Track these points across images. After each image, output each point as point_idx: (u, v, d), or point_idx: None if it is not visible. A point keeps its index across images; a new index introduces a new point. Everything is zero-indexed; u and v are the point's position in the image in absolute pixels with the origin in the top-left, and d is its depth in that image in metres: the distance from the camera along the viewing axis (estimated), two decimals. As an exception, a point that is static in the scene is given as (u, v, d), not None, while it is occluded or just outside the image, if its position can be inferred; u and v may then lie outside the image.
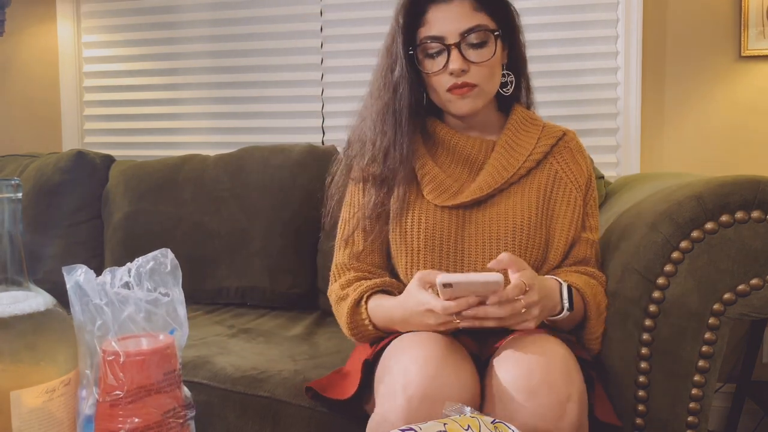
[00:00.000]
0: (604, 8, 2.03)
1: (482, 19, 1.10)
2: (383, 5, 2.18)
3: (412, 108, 1.14)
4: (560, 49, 2.05)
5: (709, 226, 1.05)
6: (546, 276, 1.06)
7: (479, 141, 1.17)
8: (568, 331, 1.11)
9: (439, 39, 1.10)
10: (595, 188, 1.20)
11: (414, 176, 1.16)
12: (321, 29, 2.24)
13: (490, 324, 0.95)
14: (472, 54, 1.10)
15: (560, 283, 1.04)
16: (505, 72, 1.18)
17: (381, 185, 1.16)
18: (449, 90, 1.12)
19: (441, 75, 1.12)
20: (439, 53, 1.11)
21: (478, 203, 1.15)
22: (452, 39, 1.09)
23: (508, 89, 1.19)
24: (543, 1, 2.06)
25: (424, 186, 1.15)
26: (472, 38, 1.10)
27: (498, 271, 0.95)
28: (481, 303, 0.93)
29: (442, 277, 0.91)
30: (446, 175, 1.16)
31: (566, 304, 1.02)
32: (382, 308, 1.08)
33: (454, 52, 1.09)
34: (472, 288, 0.92)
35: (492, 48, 1.11)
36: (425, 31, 1.12)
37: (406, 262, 1.14)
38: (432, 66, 1.13)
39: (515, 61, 1.19)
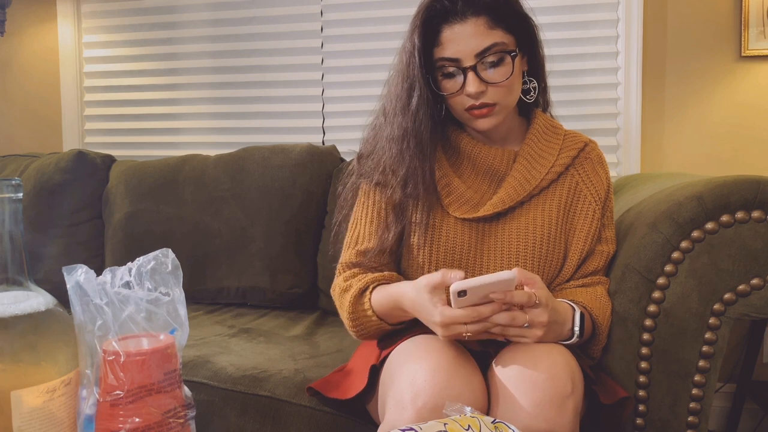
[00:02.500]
0: (604, 8, 2.03)
1: (498, 37, 1.06)
2: (383, 5, 2.18)
3: (432, 130, 1.10)
4: (561, 49, 2.05)
5: (709, 226, 1.05)
6: (561, 300, 1.04)
7: (501, 152, 1.15)
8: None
9: (454, 61, 1.07)
10: (613, 199, 1.19)
11: (435, 188, 1.14)
12: (321, 29, 2.24)
13: (495, 331, 0.94)
14: (489, 74, 1.07)
15: (574, 310, 1.03)
16: (527, 79, 1.16)
17: (401, 207, 1.14)
18: (468, 110, 1.10)
19: (459, 96, 1.09)
20: (455, 73, 1.08)
21: (498, 216, 1.13)
22: (468, 61, 1.06)
23: (531, 96, 1.17)
24: (543, 1, 2.06)
25: (444, 198, 1.13)
26: (489, 58, 1.06)
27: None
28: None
29: (455, 286, 0.90)
30: (467, 186, 1.14)
31: (576, 331, 1.01)
32: (387, 294, 1.05)
33: (470, 75, 1.06)
34: (486, 290, 0.90)
35: (509, 66, 1.08)
36: (440, 52, 1.08)
37: (423, 274, 1.11)
38: (449, 87, 1.10)
39: (536, 67, 1.17)
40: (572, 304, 1.04)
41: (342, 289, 1.14)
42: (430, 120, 1.10)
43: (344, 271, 1.17)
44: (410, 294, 1.00)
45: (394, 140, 1.12)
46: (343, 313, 1.13)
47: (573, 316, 1.02)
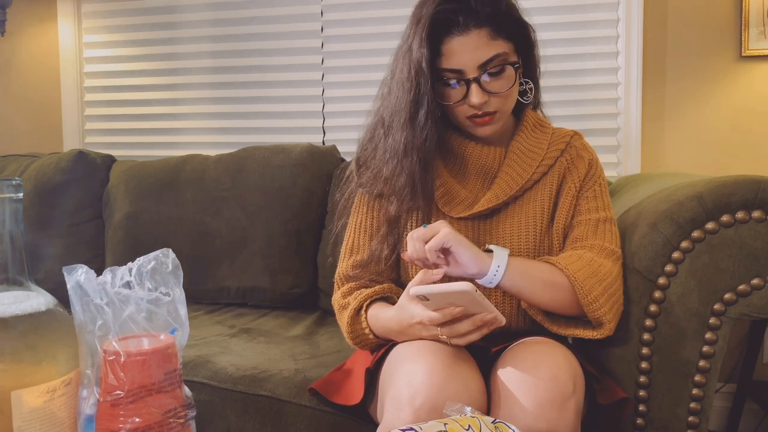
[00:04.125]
0: (604, 8, 2.03)
1: (500, 47, 1.06)
2: (383, 5, 2.18)
3: (437, 142, 1.09)
4: (561, 49, 2.05)
5: (709, 226, 1.05)
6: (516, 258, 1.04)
7: (492, 150, 1.15)
8: (577, 316, 1.07)
9: (457, 72, 1.06)
10: (602, 174, 1.17)
11: (433, 197, 1.13)
12: (321, 29, 2.24)
13: (476, 337, 0.96)
14: (491, 84, 1.07)
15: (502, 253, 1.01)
16: (523, 81, 1.16)
17: (396, 217, 1.15)
18: (470, 118, 1.10)
19: (461, 105, 1.09)
20: (457, 83, 1.08)
21: (492, 213, 1.14)
22: (471, 73, 1.05)
23: (527, 97, 1.17)
24: (543, 1, 2.06)
25: (438, 198, 1.13)
26: (491, 69, 1.06)
27: (466, 280, 0.93)
28: (467, 315, 0.94)
29: (414, 290, 0.92)
30: (461, 186, 1.15)
31: (498, 268, 0.99)
32: (379, 319, 1.08)
33: (474, 87, 1.06)
34: (447, 298, 0.92)
35: (511, 76, 1.07)
36: (442, 63, 1.06)
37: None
38: (451, 96, 1.09)
39: (530, 68, 1.17)
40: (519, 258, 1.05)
41: (341, 306, 1.15)
42: (436, 134, 1.08)
43: (342, 285, 1.18)
44: (395, 311, 1.04)
45: (396, 154, 1.10)
46: (343, 331, 1.15)
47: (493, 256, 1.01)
